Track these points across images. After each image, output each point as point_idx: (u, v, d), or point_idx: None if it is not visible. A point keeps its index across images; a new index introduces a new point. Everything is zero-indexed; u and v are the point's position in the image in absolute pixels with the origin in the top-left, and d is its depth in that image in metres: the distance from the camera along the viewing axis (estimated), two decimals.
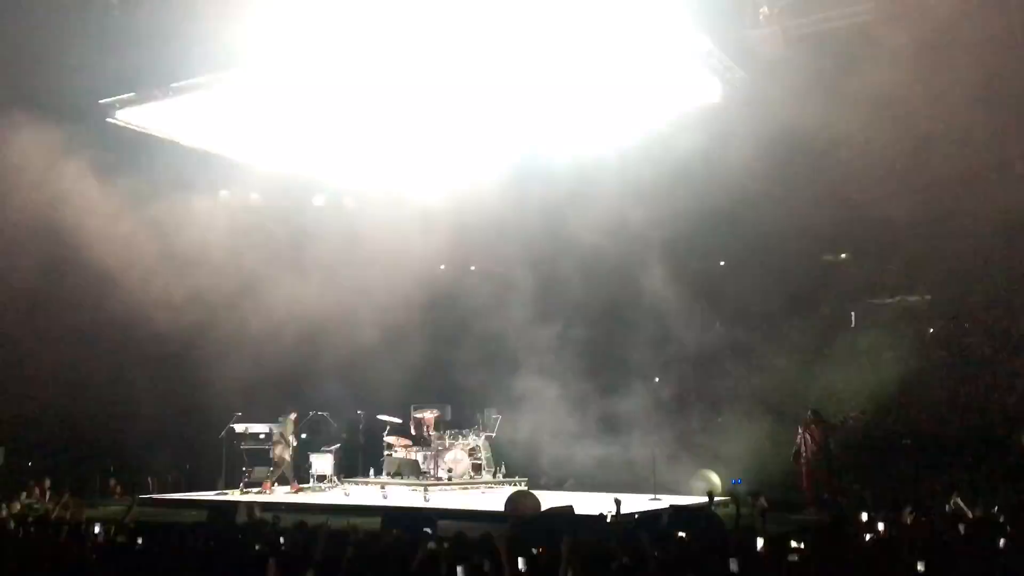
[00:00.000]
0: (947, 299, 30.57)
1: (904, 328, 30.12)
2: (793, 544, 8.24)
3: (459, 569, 7.13)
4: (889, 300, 31.54)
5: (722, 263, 32.13)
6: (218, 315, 19.03)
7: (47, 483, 18.90)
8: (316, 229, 20.34)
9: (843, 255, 33.81)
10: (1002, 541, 7.93)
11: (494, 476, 19.44)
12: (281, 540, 9.95)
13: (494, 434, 19.98)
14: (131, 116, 17.16)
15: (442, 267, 25.36)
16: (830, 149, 18.99)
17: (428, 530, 10.81)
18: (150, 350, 20.00)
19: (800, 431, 17.25)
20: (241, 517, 11.96)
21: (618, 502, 11.00)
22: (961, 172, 20.97)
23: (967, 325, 29.35)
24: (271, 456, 19.48)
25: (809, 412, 17.10)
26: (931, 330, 29.32)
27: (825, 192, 24.65)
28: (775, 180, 20.67)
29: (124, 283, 17.74)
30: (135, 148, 18.00)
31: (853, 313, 31.40)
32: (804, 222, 26.12)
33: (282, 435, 19.41)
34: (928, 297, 30.94)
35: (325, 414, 20.77)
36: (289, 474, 19.52)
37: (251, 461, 19.84)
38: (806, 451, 16.49)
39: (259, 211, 20.08)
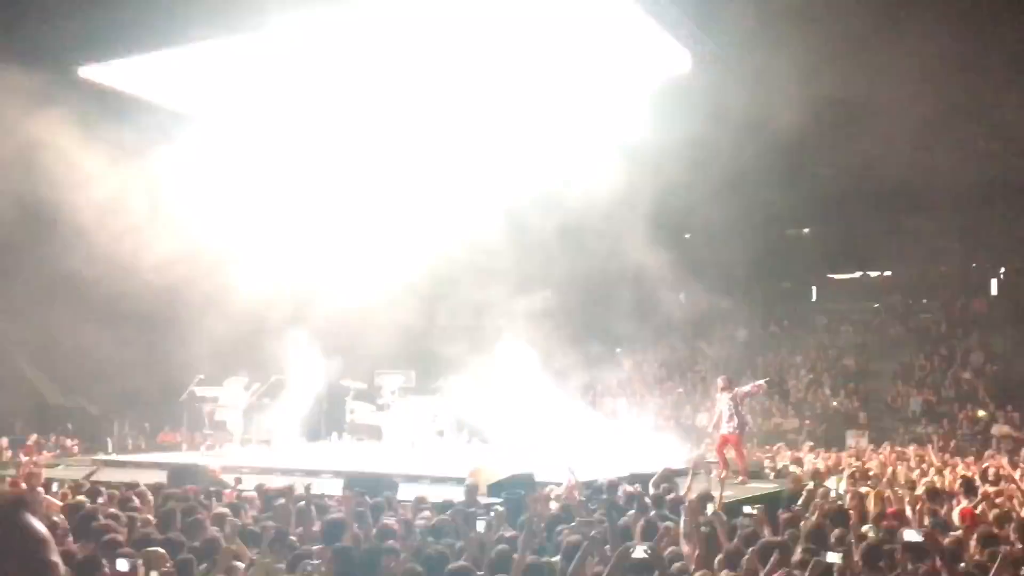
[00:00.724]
0: (906, 274, 31.10)
1: (863, 302, 30.65)
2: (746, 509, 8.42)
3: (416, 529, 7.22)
4: (849, 275, 32.01)
5: (687, 236, 32.32)
6: (189, 277, 18.88)
7: (5, 442, 18.77)
8: (291, 188, 20.18)
9: (805, 230, 34.22)
10: None
11: (456, 440, 19.55)
12: (243, 501, 10.00)
13: (454, 399, 20.07)
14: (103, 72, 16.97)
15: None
16: (796, 123, 19.10)
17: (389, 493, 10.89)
18: (119, 309, 19.78)
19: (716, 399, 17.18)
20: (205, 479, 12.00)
21: (572, 470, 11.15)
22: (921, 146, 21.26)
23: (925, 301, 29.89)
24: (220, 420, 19.38)
25: (719, 379, 17.11)
26: (886, 305, 29.81)
27: (788, 166, 24.88)
28: (739, 155, 20.78)
29: (97, 241, 17.49)
30: (109, 105, 17.76)
31: (814, 287, 31.86)
32: (768, 196, 26.37)
33: (232, 400, 19.27)
34: (888, 273, 31.47)
35: (284, 377, 20.71)
36: (240, 437, 19.41)
37: (211, 424, 19.74)
38: (718, 419, 16.53)
39: (229, 169, 19.85)
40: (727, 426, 15.90)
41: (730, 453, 15.93)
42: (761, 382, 17.86)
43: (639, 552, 6.05)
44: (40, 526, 1.54)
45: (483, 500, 10.74)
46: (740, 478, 15.06)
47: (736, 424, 15.85)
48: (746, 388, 16.76)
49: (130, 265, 17.84)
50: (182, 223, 18.35)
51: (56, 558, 1.53)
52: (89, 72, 17.16)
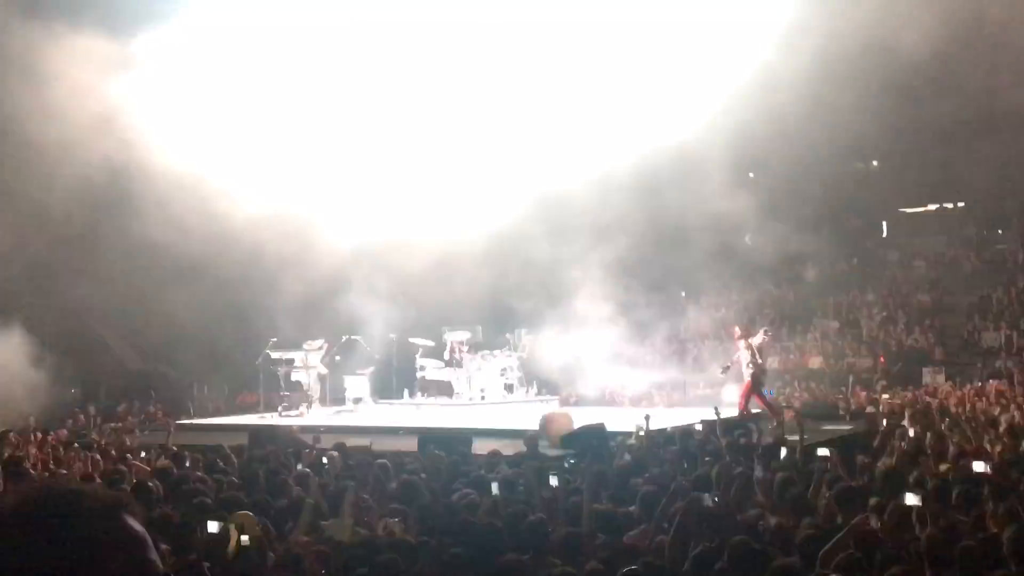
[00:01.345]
0: (981, 205, 30.19)
1: (936, 236, 29.89)
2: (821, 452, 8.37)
3: (493, 484, 7.34)
4: (922, 208, 31.18)
5: (751, 175, 31.72)
6: (266, 240, 19.24)
7: (91, 410, 19.42)
8: (361, 150, 20.33)
9: (875, 163, 33.35)
10: None
11: (526, 394, 19.70)
12: (324, 461, 10.24)
13: (525, 354, 20.17)
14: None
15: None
16: (863, 54, 18.59)
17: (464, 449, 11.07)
18: (197, 274, 20.22)
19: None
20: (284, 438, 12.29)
21: (647, 417, 11.18)
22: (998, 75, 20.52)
23: (1000, 231, 29.04)
24: (295, 381, 19.77)
25: (736, 328, 17.20)
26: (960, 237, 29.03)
27: (857, 100, 24.20)
28: (805, 91, 20.28)
29: (175, 207, 17.85)
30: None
31: (884, 222, 31.14)
32: (836, 131, 25.73)
33: (305, 361, 19.62)
34: (962, 204, 30.59)
35: (358, 338, 21.01)
36: (315, 398, 19.79)
37: (287, 386, 20.19)
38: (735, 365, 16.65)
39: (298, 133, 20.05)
40: (746, 372, 16.02)
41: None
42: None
43: (707, 501, 6.09)
44: (138, 525, 1.55)
45: (555, 452, 10.84)
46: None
47: (753, 371, 16.00)
48: (758, 339, 16.86)
49: (208, 230, 18.21)
50: (259, 188, 18.65)
51: (155, 556, 1.55)
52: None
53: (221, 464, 10.23)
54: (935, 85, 21.87)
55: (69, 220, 18.37)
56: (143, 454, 11.35)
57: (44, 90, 16.66)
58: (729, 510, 6.37)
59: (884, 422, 13.71)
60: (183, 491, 7.97)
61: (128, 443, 12.27)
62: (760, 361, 16.40)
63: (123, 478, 8.81)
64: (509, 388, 19.07)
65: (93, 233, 19.88)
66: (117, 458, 10.71)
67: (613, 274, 22.82)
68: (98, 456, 10.69)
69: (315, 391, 19.66)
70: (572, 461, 9.39)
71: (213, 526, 5.84)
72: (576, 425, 13.04)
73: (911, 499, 6.15)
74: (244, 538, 5.86)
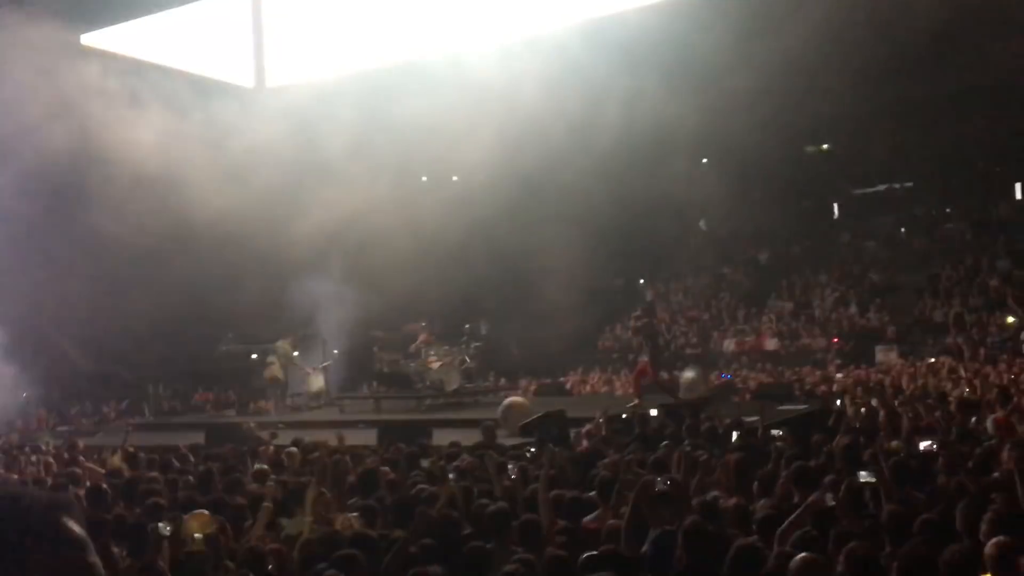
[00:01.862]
0: (929, 185, 30.71)
1: (887, 216, 30.34)
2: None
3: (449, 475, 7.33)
4: (872, 189, 31.64)
5: (704, 160, 31.95)
6: (219, 239, 18.98)
7: (43, 413, 19.11)
8: (307, 144, 20.09)
9: (824, 146, 33.76)
10: None
11: (485, 385, 19.72)
12: (283, 457, 10.16)
13: (481, 344, 20.18)
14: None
15: (423, 179, 25.26)
16: (814, 36, 18.73)
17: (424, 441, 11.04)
18: (149, 274, 19.88)
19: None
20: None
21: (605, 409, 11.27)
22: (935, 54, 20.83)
23: (949, 210, 29.56)
24: (264, 376, 19.59)
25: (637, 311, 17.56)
26: (910, 217, 29.50)
27: (808, 83, 24.43)
28: (753, 72, 20.44)
29: (126, 207, 17.50)
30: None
31: (836, 204, 31.56)
32: (788, 114, 25.98)
33: (282, 356, 19.47)
34: (909, 184, 31.09)
35: (314, 332, 20.88)
36: (282, 394, 19.67)
37: (243, 382, 20.02)
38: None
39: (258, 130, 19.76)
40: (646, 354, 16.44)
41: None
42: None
43: (660, 485, 6.13)
44: (78, 527, 1.51)
45: (515, 441, 10.85)
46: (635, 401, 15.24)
47: (648, 355, 16.28)
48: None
49: (166, 224, 17.90)
50: (211, 185, 18.34)
51: (94, 559, 1.51)
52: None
53: (177, 464, 10.11)
54: (884, 66, 22.14)
55: (18, 213, 17.93)
56: (96, 456, 11.18)
57: None
58: (685, 492, 6.41)
59: (838, 401, 13.92)
60: (138, 492, 7.86)
61: (80, 445, 12.06)
62: (654, 344, 16.57)
63: (76, 481, 8.66)
64: (468, 379, 19.04)
65: (43, 227, 19.42)
66: (69, 461, 10.54)
67: (571, 261, 22.92)
68: (50, 459, 10.51)
69: (283, 387, 19.54)
70: (532, 450, 9.39)
71: (163, 528, 5.75)
72: (535, 414, 13.06)
73: (864, 476, 6.24)
74: (197, 536, 5.79)
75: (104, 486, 8.10)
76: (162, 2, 16.51)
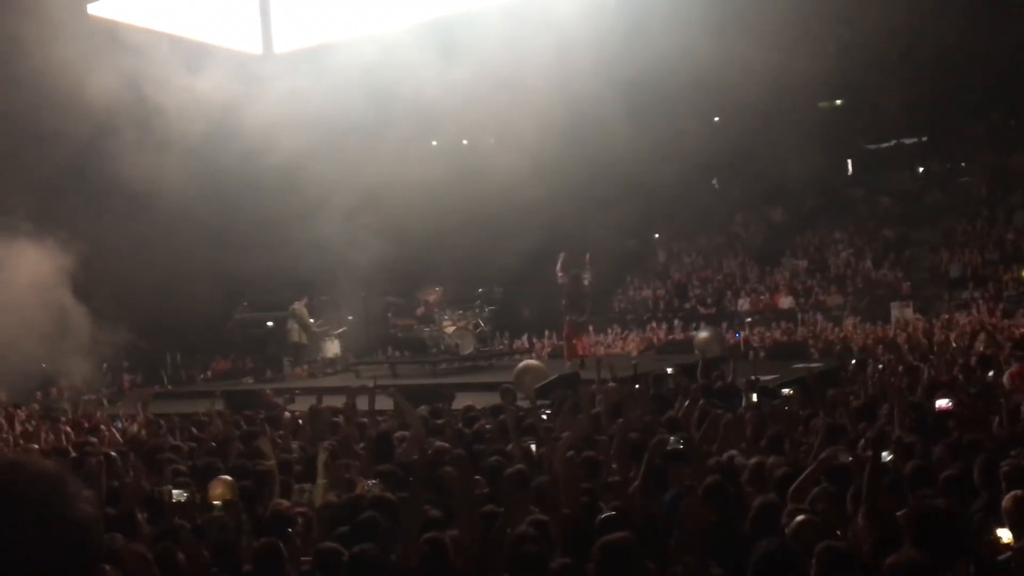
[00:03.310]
0: (944, 139, 30.39)
1: (901, 171, 30.08)
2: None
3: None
4: (885, 144, 31.33)
5: (716, 119, 31.68)
6: (231, 207, 18.95)
7: (63, 382, 19.24)
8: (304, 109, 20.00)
9: (838, 101, 33.39)
10: None
11: (499, 348, 19.80)
12: (300, 422, 10.23)
13: (496, 307, 20.21)
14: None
15: (434, 143, 25.13)
16: None
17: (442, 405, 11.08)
18: (158, 241, 19.88)
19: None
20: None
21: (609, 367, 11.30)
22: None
23: (964, 164, 29.28)
24: (289, 342, 19.71)
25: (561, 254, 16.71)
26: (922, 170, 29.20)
27: (817, 37, 24.11)
28: (764, 30, 20.20)
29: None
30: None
31: (849, 160, 31.27)
32: (799, 70, 25.64)
33: (299, 321, 19.59)
34: (924, 139, 30.77)
35: (329, 298, 20.95)
36: (306, 358, 19.80)
37: (260, 349, 20.13)
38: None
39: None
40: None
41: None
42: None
43: (673, 443, 6.14)
44: (84, 507, 1.48)
45: (531, 404, 10.87)
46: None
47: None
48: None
49: (173, 198, 17.88)
50: (221, 153, 18.29)
51: (97, 544, 1.48)
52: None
53: (196, 431, 10.20)
54: (896, 20, 21.83)
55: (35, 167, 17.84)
56: (118, 424, 11.28)
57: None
58: (701, 452, 6.42)
59: (853, 361, 13.90)
60: (157, 460, 7.93)
61: (99, 415, 12.18)
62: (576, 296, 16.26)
63: (94, 450, 8.74)
64: (483, 343, 19.09)
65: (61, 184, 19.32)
66: (89, 430, 10.65)
67: (582, 221, 22.84)
68: (69, 428, 10.61)
69: (301, 352, 19.69)
70: (548, 412, 9.43)
71: (180, 494, 5.82)
72: (551, 376, 13.09)
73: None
74: (217, 503, 5.85)
75: (121, 453, 8.18)
76: None
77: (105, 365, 19.83)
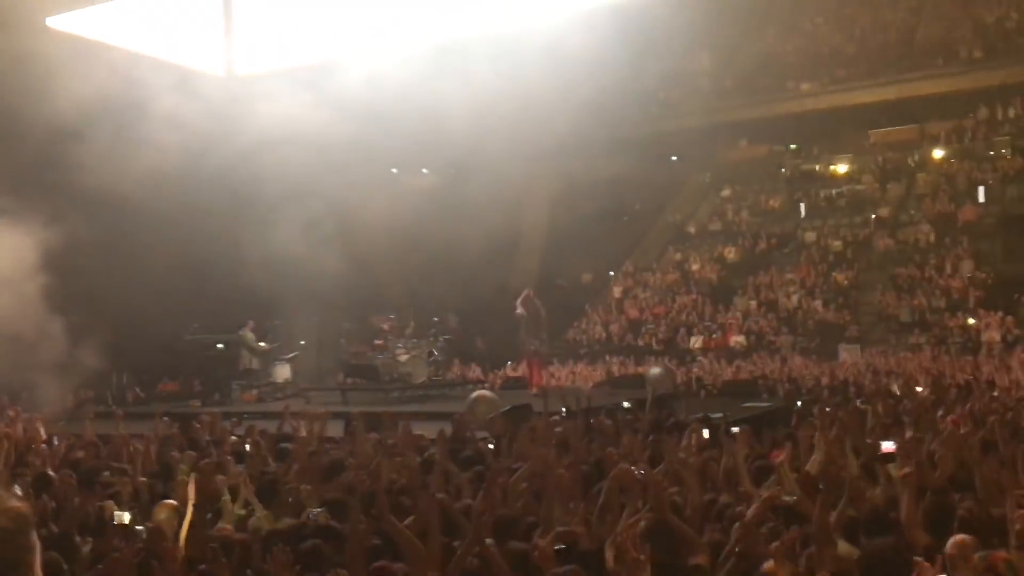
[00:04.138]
0: (893, 187, 31.09)
1: (853, 216, 30.66)
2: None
3: None
4: (836, 190, 31.99)
5: (674, 159, 32.21)
6: (186, 228, 18.73)
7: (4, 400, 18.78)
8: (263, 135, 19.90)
9: (792, 146, 34.10)
10: None
11: (452, 377, 19.73)
12: (247, 447, 10.07)
13: (450, 337, 20.17)
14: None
15: (394, 171, 25.15)
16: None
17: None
18: (108, 262, 19.58)
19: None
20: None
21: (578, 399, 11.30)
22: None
23: (913, 212, 29.93)
24: (240, 367, 19.47)
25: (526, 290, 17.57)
26: (875, 218, 29.81)
27: (771, 81, 24.55)
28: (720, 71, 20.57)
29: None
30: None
31: (803, 204, 31.81)
32: (750, 113, 26.11)
33: (247, 345, 19.38)
34: (876, 184, 31.42)
35: (281, 323, 20.76)
36: (256, 382, 19.56)
37: (212, 371, 19.85)
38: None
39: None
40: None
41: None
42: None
43: (636, 473, 6.11)
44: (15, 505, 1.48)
45: (483, 434, 10.85)
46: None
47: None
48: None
49: (125, 218, 17.66)
50: (176, 173, 18.09)
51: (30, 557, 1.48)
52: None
53: (137, 453, 9.99)
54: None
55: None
56: (55, 443, 11.02)
57: None
58: (659, 488, 6.43)
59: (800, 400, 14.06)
60: (97, 483, 7.76)
61: (41, 433, 11.88)
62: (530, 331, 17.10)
63: (31, 468, 8.54)
64: (436, 371, 19.02)
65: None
66: (26, 448, 10.39)
67: (540, 253, 22.96)
68: (7, 444, 10.34)
69: (250, 377, 19.46)
70: (492, 445, 9.41)
71: (124, 516, 5.70)
72: (503, 407, 13.06)
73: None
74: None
75: (60, 474, 7.99)
76: None
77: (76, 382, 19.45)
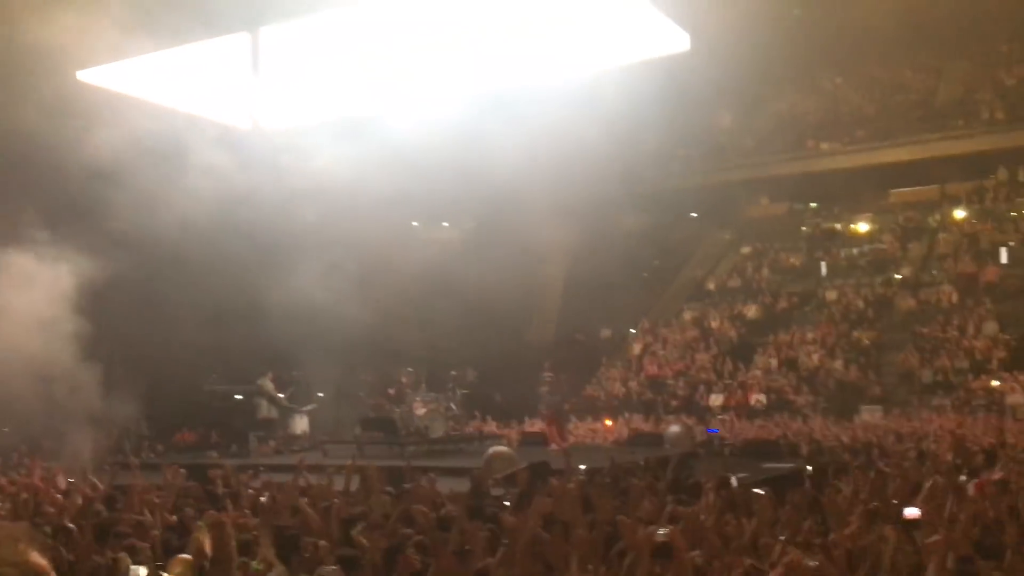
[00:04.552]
0: (914, 246, 30.99)
1: (874, 275, 30.54)
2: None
3: None
4: (857, 249, 31.90)
5: (693, 215, 32.21)
6: (207, 278, 18.85)
7: (23, 448, 18.81)
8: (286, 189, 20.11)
9: (812, 204, 34.11)
10: None
11: (469, 432, 19.62)
12: (262, 500, 10.01)
13: (468, 391, 20.11)
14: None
15: (415, 224, 25.33)
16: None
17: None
18: (127, 310, 19.72)
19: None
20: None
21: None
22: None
23: (935, 272, 29.78)
24: (259, 418, 19.47)
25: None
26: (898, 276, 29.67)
27: (791, 139, 24.63)
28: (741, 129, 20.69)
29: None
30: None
31: (823, 263, 31.74)
32: (771, 171, 26.18)
33: (266, 395, 19.39)
34: (897, 243, 31.34)
35: (300, 374, 20.78)
36: (274, 433, 19.55)
37: (230, 423, 19.84)
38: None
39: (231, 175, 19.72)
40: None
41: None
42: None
43: (660, 536, 6.02)
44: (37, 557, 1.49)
45: (499, 491, 10.75)
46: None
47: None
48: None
49: (146, 267, 17.80)
50: (198, 223, 18.27)
51: None
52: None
53: (156, 503, 9.95)
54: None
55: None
56: (72, 494, 10.99)
57: None
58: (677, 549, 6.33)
59: (821, 459, 13.88)
60: (113, 534, 7.72)
61: (60, 484, 11.88)
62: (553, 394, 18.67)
63: (48, 519, 8.51)
64: (454, 426, 18.93)
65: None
66: (45, 498, 10.37)
67: (559, 308, 22.95)
68: (25, 495, 10.34)
69: (270, 428, 19.45)
70: (508, 503, 9.32)
71: (140, 571, 5.65)
72: (520, 464, 12.95)
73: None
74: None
75: (77, 525, 7.96)
76: (161, 42, 16.62)
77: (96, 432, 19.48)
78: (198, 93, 18.31)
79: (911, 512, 6.94)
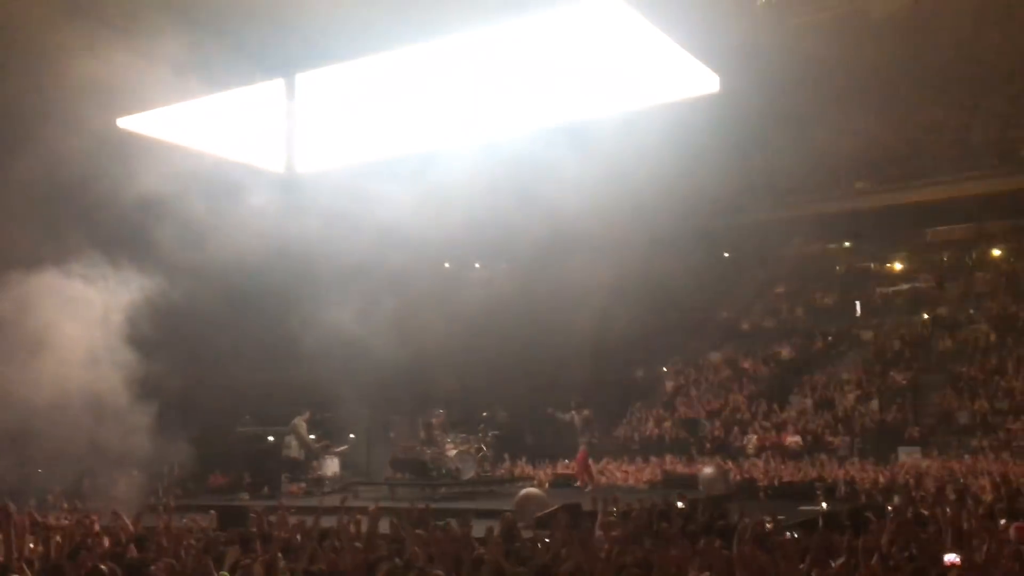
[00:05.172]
0: (953, 284, 30.64)
1: (910, 315, 30.21)
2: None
3: None
4: (893, 288, 31.59)
5: (726, 255, 32.10)
6: (239, 321, 19.04)
7: (57, 490, 18.95)
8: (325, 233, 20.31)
9: (847, 243, 33.89)
10: None
11: (501, 474, 19.53)
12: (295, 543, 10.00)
13: (499, 432, 20.07)
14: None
15: (446, 265, 25.44)
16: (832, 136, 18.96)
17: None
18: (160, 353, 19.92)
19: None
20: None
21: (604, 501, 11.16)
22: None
23: (972, 311, 29.38)
24: (286, 458, 19.53)
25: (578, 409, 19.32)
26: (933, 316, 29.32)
27: (825, 179, 24.50)
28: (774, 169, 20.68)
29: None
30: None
31: (858, 302, 31.44)
32: (805, 210, 26.07)
33: (297, 436, 19.47)
34: (933, 282, 31.02)
35: (332, 416, 20.83)
36: (304, 475, 19.57)
37: (262, 464, 19.89)
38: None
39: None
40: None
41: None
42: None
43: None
44: None
45: (531, 533, 10.67)
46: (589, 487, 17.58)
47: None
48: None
49: (180, 309, 17.99)
50: (235, 267, 18.49)
51: None
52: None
53: (192, 545, 9.96)
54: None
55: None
56: (106, 536, 11.04)
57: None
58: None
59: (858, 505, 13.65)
60: (146, 575, 7.75)
61: (94, 526, 11.93)
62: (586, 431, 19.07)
63: (81, 562, 8.54)
64: (485, 467, 18.86)
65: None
66: (79, 542, 10.43)
67: (592, 348, 22.87)
68: (59, 538, 10.39)
69: (298, 469, 19.51)
70: (547, 540, 9.24)
71: None
72: (551, 505, 12.87)
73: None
74: None
75: (107, 567, 7.99)
76: (198, 89, 16.98)
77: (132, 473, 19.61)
78: (234, 138, 18.62)
79: (951, 558, 6.81)
